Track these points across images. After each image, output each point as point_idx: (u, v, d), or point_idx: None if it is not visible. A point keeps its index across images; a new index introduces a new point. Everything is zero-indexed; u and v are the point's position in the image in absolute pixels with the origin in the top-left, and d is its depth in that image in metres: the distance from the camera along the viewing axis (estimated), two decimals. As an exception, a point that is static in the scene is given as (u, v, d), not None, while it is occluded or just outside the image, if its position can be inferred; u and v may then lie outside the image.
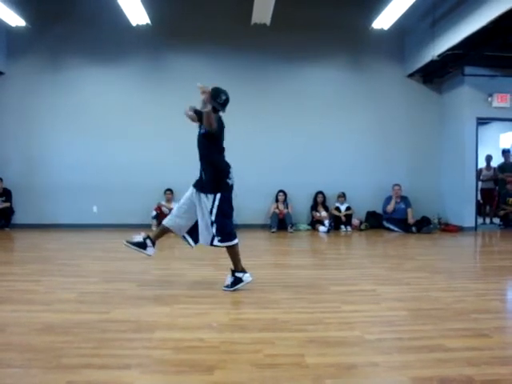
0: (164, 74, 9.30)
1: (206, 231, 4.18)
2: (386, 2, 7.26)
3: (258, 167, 9.15)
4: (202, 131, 4.12)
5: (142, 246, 4.20)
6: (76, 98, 9.18)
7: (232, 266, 4.15)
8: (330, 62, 9.56)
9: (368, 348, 2.70)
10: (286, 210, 9.00)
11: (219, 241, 4.05)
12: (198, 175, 4.23)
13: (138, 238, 4.24)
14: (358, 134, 9.58)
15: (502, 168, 10.22)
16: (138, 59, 9.31)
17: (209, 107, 3.84)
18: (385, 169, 9.59)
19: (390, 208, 9.03)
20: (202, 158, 4.17)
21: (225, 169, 4.13)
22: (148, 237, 4.25)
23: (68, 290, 3.97)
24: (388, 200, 9.18)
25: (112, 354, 2.56)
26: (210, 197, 4.06)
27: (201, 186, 4.16)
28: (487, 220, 10.43)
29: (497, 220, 10.11)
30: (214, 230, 4.06)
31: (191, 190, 4.21)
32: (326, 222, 8.88)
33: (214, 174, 4.09)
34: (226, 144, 4.24)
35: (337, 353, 2.61)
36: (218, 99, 4.01)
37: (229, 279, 4.12)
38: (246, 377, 2.30)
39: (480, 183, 10.09)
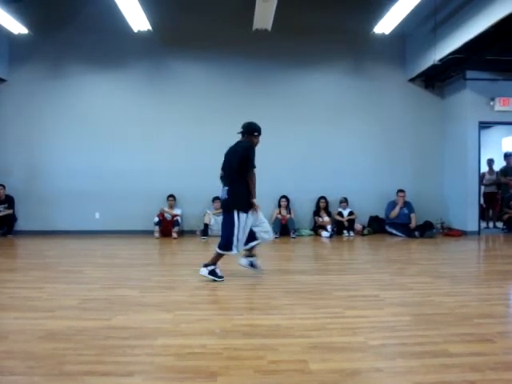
0: (165, 80, 9.31)
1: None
2: (387, 6, 7.28)
3: (261, 173, 8.98)
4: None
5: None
6: (78, 105, 9.21)
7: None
8: (331, 66, 9.56)
9: (371, 353, 2.69)
10: (288, 216, 8.98)
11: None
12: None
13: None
14: (359, 138, 9.57)
15: (504, 172, 10.20)
16: (140, 65, 9.33)
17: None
18: (387, 174, 9.56)
19: (393, 214, 9.00)
20: None
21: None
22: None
23: (70, 297, 3.97)
24: (391, 205, 9.16)
25: (114, 361, 2.55)
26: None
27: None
28: (490, 224, 10.38)
29: (500, 224, 10.07)
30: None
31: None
32: (329, 227, 8.86)
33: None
34: (224, 149, 5.23)
35: (340, 358, 2.60)
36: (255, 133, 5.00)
37: (244, 261, 5.01)
38: (250, 383, 2.29)
39: (483, 187, 10.06)
